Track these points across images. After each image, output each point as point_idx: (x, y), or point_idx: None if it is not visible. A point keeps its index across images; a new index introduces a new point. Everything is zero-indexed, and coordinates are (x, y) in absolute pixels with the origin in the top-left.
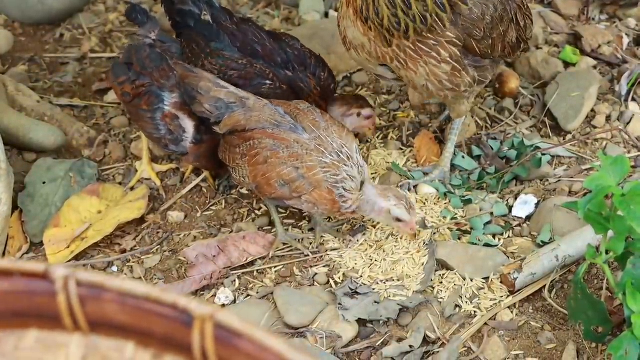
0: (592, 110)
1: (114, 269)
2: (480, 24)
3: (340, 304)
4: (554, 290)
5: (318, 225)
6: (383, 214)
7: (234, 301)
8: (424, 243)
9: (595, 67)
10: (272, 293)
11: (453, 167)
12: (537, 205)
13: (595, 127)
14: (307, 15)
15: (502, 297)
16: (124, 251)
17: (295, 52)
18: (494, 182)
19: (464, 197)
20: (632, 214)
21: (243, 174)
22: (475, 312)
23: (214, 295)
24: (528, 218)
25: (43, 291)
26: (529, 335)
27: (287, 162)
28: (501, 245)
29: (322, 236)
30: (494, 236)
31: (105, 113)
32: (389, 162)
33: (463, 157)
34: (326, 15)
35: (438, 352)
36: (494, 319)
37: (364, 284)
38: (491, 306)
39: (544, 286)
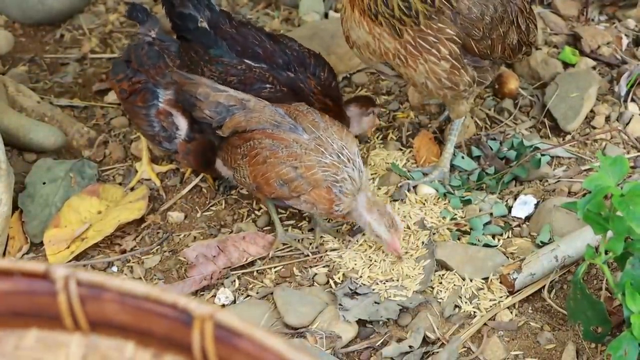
0: (592, 111)
1: (114, 269)
2: (479, 24)
3: (340, 304)
4: (554, 290)
5: (318, 226)
6: (367, 228)
7: (234, 301)
8: (423, 243)
9: (594, 68)
10: (271, 293)
11: (452, 167)
12: (536, 205)
13: (594, 128)
14: (306, 15)
15: (501, 297)
16: (124, 251)
17: (294, 52)
18: (494, 182)
19: (463, 197)
20: (631, 214)
21: (244, 174)
22: (474, 312)
23: (214, 296)
24: (527, 218)
25: (43, 291)
26: (529, 336)
27: (285, 162)
28: (500, 246)
29: (321, 236)
30: (493, 236)
31: (105, 113)
32: (388, 163)
33: (462, 157)
34: (326, 15)
35: (438, 352)
36: (494, 319)
37: (364, 285)
38: (490, 306)
39: (544, 286)
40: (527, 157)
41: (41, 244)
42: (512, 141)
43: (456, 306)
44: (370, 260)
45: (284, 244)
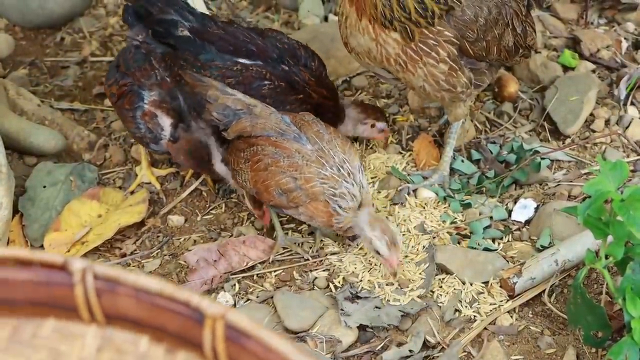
0: (591, 114)
1: None
2: (473, 26)
3: (342, 309)
4: (554, 294)
5: (318, 229)
6: (367, 243)
7: (234, 305)
8: (424, 247)
9: (594, 71)
10: (272, 297)
11: (452, 171)
12: (536, 209)
13: (594, 131)
14: (306, 19)
15: (501, 301)
16: (124, 255)
17: (285, 45)
18: (494, 186)
19: (463, 201)
20: (631, 219)
21: (245, 178)
22: (474, 316)
23: (214, 299)
24: (527, 222)
25: (61, 282)
26: (529, 340)
27: (286, 172)
28: (500, 250)
29: (321, 240)
30: (493, 240)
31: (105, 117)
32: (388, 166)
33: (462, 161)
34: (325, 19)
35: (438, 356)
36: (494, 324)
37: (364, 289)
38: (491, 310)
39: (544, 290)
40: (527, 161)
41: (41, 247)
42: (512, 145)
43: (456, 310)
44: (370, 264)
45: (284, 248)
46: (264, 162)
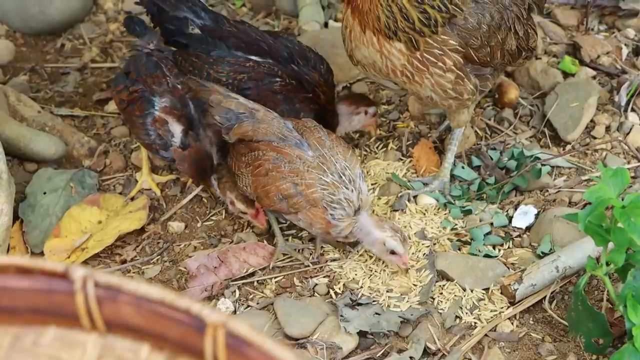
0: (592, 121)
1: None
2: (477, 33)
3: (341, 315)
4: (554, 301)
5: (318, 236)
6: (377, 245)
7: (234, 312)
8: (424, 255)
9: (594, 78)
10: (272, 304)
11: (453, 177)
12: (536, 215)
13: (594, 138)
14: (307, 25)
15: (502, 308)
16: (124, 261)
17: (296, 46)
18: (494, 192)
19: (463, 207)
20: (632, 226)
21: (246, 182)
22: (475, 323)
23: (214, 306)
24: (528, 229)
25: (62, 290)
26: (530, 347)
27: (287, 177)
28: (501, 256)
29: (322, 246)
30: (494, 247)
31: (105, 123)
32: (388, 173)
33: (463, 167)
34: (326, 25)
35: None
36: (494, 330)
37: (364, 295)
38: (491, 317)
39: (544, 297)
40: (527, 167)
41: (42, 254)
42: (512, 151)
43: (457, 317)
44: (371, 271)
45: (284, 254)
46: (265, 167)
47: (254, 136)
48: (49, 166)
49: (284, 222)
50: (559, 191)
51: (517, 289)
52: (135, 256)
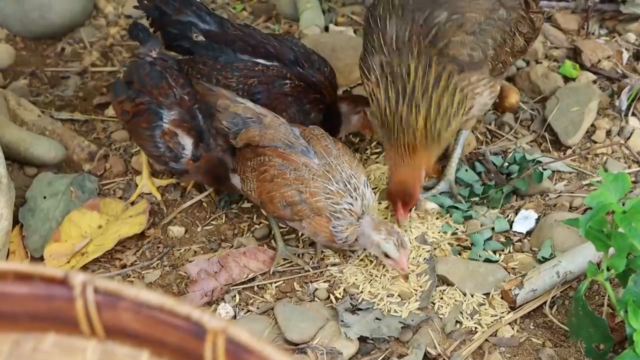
0: (592, 125)
1: None
2: (486, 61)
3: (342, 320)
4: (555, 306)
5: (323, 244)
6: (374, 247)
7: (234, 316)
8: (425, 259)
9: (595, 82)
10: (272, 309)
11: (456, 181)
12: (537, 220)
13: (595, 142)
14: (307, 29)
15: (502, 313)
16: (124, 266)
17: (301, 49)
18: (499, 195)
19: (465, 211)
20: (633, 231)
21: (250, 187)
22: (476, 328)
23: (215, 311)
24: (528, 233)
25: (62, 296)
26: (530, 352)
27: (292, 184)
28: (502, 261)
29: (322, 251)
30: (494, 252)
31: (105, 127)
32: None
33: (466, 170)
34: (326, 29)
35: None
36: (495, 335)
37: (365, 300)
38: (492, 322)
39: (545, 302)
40: (529, 171)
41: (42, 258)
42: (514, 156)
43: (457, 322)
44: (371, 276)
45: (284, 259)
46: (270, 173)
47: (260, 141)
48: (49, 170)
49: (285, 227)
50: (559, 196)
51: (518, 294)
52: (136, 261)
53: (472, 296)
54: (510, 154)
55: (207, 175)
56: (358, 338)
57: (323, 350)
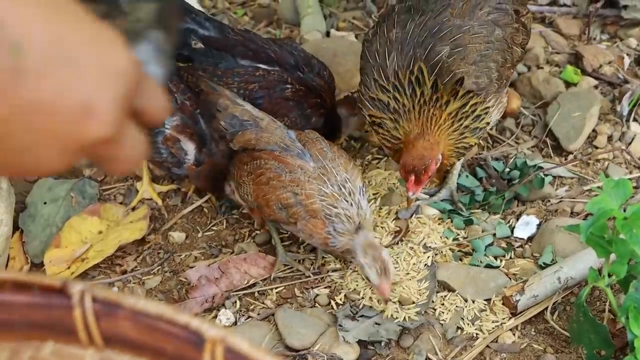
0: (594, 131)
1: (115, 290)
2: (492, 85)
3: (340, 325)
4: (556, 312)
5: (318, 247)
6: (360, 268)
7: (235, 322)
8: (425, 265)
9: (596, 87)
10: (273, 314)
11: (457, 186)
12: (538, 226)
13: (596, 148)
14: (308, 34)
15: (504, 319)
16: (124, 272)
17: (301, 53)
18: (500, 201)
19: (467, 217)
20: (634, 237)
21: (247, 191)
22: (477, 334)
23: (215, 317)
24: (530, 239)
25: (60, 305)
26: (532, 358)
27: (287, 187)
28: (503, 267)
29: (323, 257)
30: (495, 257)
31: None
32: (390, 182)
33: (467, 176)
34: (328, 34)
35: None
36: (496, 342)
37: (365, 306)
38: (493, 328)
39: (546, 308)
40: (530, 177)
41: (42, 264)
42: (515, 161)
43: (458, 328)
44: None
45: (285, 265)
46: (266, 175)
47: (256, 145)
48: (49, 176)
49: (285, 233)
50: (560, 201)
51: (519, 299)
52: (136, 266)
53: (473, 302)
54: (512, 160)
55: (207, 180)
56: (359, 344)
57: (324, 356)
